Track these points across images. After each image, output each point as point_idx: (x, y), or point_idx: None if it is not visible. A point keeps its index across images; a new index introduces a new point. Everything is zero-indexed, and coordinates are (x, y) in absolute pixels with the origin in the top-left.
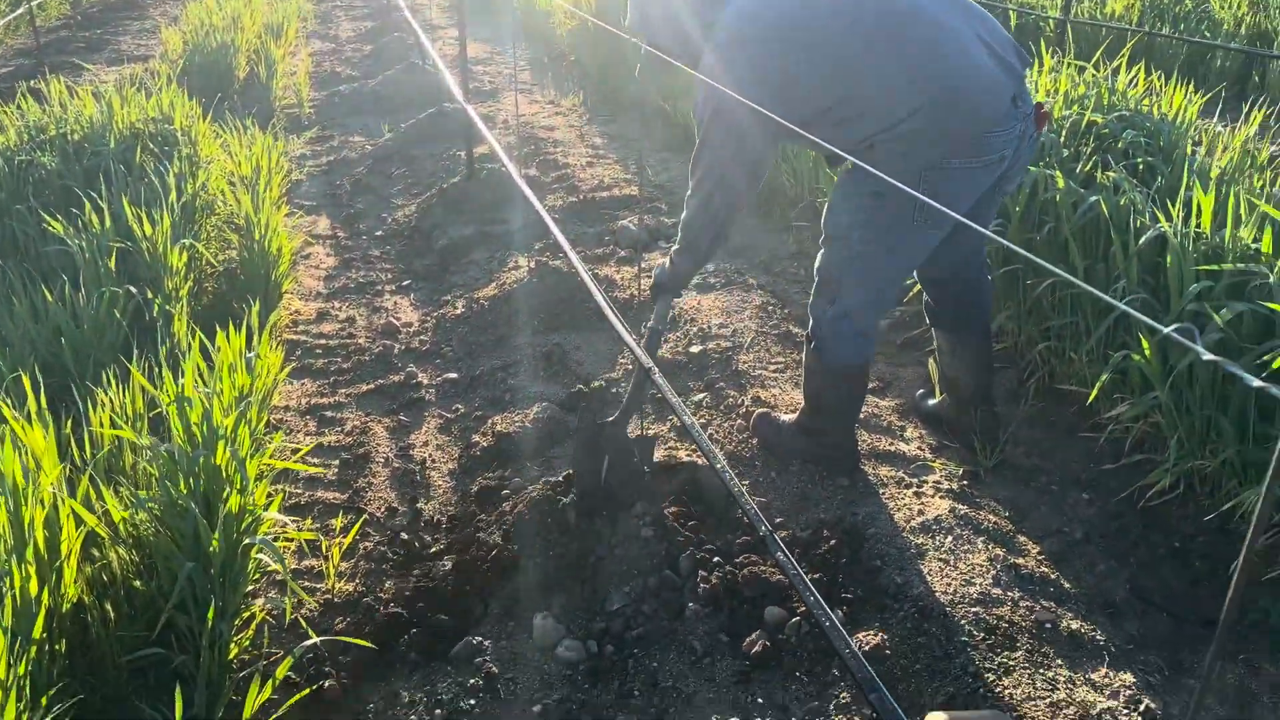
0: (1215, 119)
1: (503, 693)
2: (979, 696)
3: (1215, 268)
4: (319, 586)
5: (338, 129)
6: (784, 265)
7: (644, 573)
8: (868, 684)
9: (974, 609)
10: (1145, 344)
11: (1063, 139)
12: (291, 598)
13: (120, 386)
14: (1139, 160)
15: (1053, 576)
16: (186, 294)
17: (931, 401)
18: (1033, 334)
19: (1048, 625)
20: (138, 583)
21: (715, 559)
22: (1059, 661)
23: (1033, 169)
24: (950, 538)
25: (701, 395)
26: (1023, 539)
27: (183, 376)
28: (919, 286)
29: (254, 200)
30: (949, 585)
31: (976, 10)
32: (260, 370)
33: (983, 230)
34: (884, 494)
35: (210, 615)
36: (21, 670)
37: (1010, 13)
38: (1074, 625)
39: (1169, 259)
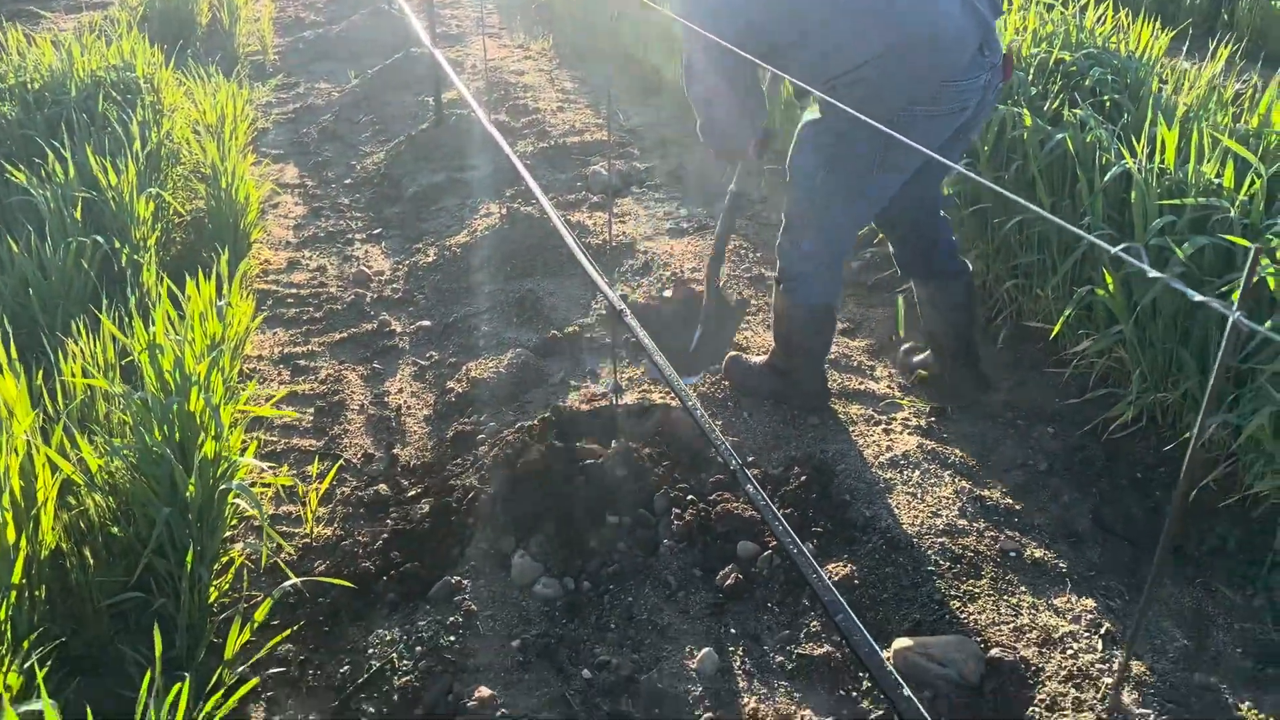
0: (1183, 57)
1: (482, 629)
2: (945, 623)
3: (1179, 202)
4: (297, 531)
5: (303, 76)
6: (755, 208)
7: (619, 512)
8: (834, 606)
9: (940, 540)
10: (1109, 278)
11: (1031, 77)
12: (269, 543)
13: (90, 336)
14: (1106, 98)
15: (1017, 507)
16: (155, 244)
17: (917, 357)
18: (1000, 272)
19: (1012, 554)
20: (115, 529)
21: (689, 497)
22: (1023, 589)
23: (1000, 107)
24: (918, 472)
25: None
26: (988, 472)
27: (153, 324)
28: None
29: (220, 148)
30: (916, 517)
31: None
32: (231, 319)
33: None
34: (854, 431)
35: (189, 559)
36: (1, 615)
37: None
38: (1038, 554)
39: (1134, 195)
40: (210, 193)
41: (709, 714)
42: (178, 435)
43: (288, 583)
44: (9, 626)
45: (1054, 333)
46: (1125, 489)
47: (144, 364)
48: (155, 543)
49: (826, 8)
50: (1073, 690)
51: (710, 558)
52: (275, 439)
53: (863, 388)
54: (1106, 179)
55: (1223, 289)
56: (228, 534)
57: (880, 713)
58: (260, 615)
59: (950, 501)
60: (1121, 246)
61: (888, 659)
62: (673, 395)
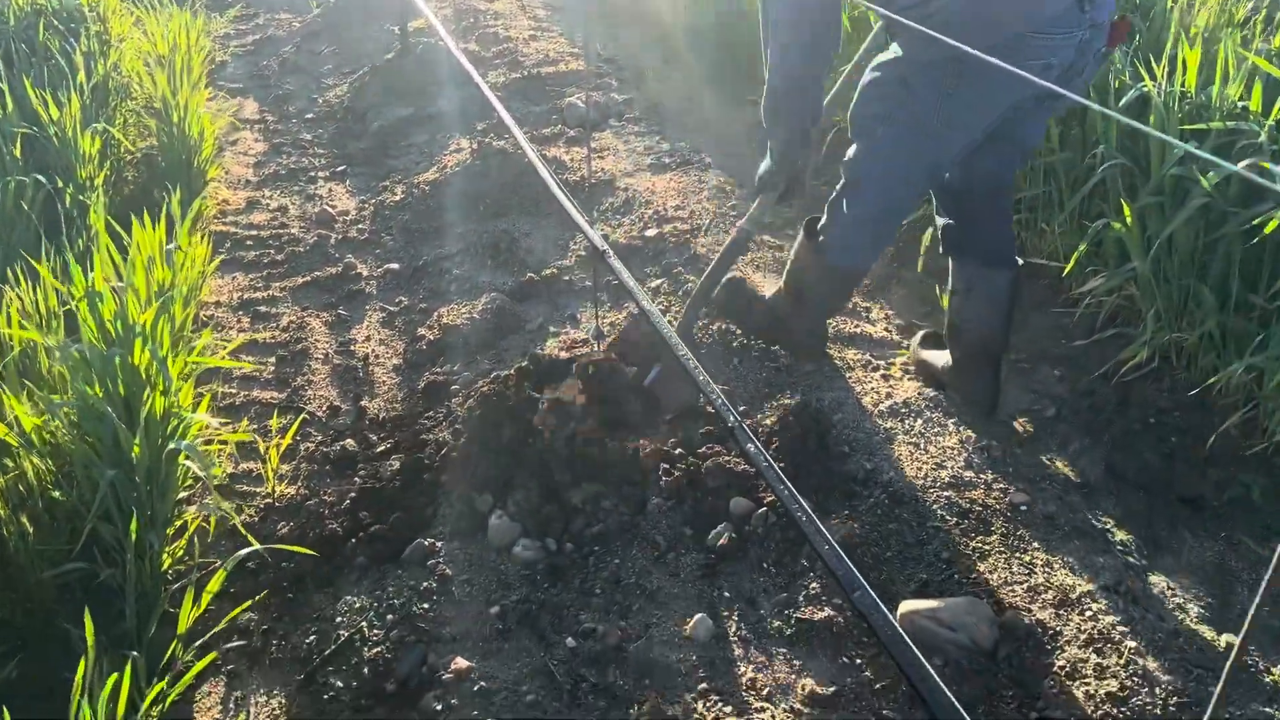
0: None
1: (458, 594)
2: (954, 583)
3: (1202, 127)
4: (258, 491)
5: (262, 5)
6: (740, 144)
7: (604, 467)
8: (849, 581)
9: (946, 493)
10: (1127, 211)
11: None
12: (230, 503)
13: (30, 284)
14: (1116, 15)
15: (1026, 457)
16: (102, 183)
17: (930, 355)
18: None
19: (1022, 507)
20: (57, 493)
21: (677, 450)
22: (1035, 545)
23: None
24: (920, 421)
25: (659, 281)
26: (994, 420)
27: (92, 271)
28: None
29: (170, 80)
30: (920, 469)
31: None
32: (183, 263)
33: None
34: (851, 378)
35: (134, 526)
36: None
37: None
38: (1049, 507)
39: (1153, 120)
40: (162, 128)
41: (704, 684)
42: (122, 390)
43: (245, 550)
44: None
45: (1066, 270)
46: (1138, 435)
47: (83, 313)
48: (99, 507)
49: None
50: (1094, 656)
51: (701, 516)
52: (234, 391)
53: (859, 331)
54: (1121, 104)
55: (1253, 220)
56: (183, 494)
57: (886, 681)
58: (214, 586)
59: (955, 452)
60: (1246, 163)
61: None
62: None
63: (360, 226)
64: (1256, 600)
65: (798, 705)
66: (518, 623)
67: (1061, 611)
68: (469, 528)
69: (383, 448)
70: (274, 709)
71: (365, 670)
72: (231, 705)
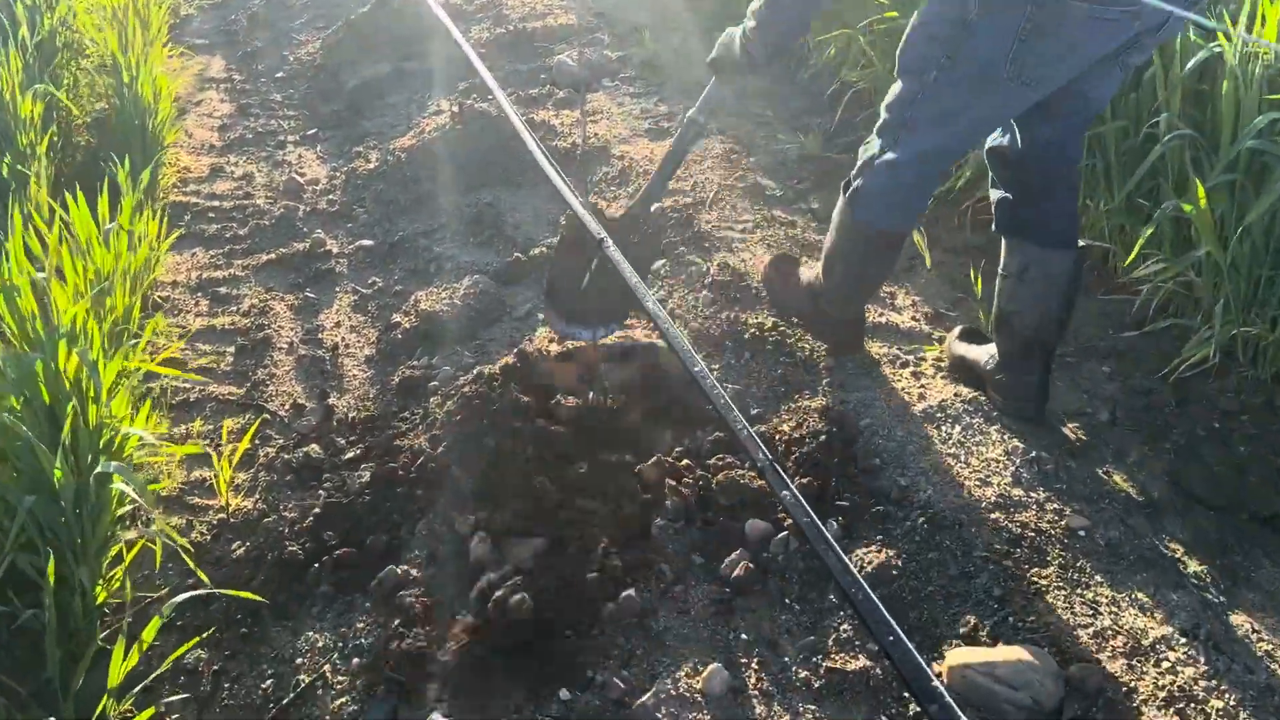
0: None
1: (435, 634)
2: (1008, 627)
3: None
4: (210, 504)
5: None
6: (746, 104)
7: (600, 482)
8: (883, 630)
9: (993, 515)
10: (1201, 191)
11: None
12: (179, 518)
13: None
14: None
15: (1080, 470)
16: (46, 151)
17: (967, 348)
18: None
19: (1080, 532)
20: None
21: (684, 462)
22: (1098, 578)
23: None
24: (958, 427)
25: (659, 262)
26: (1041, 425)
27: (8, 260)
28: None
29: (121, 37)
30: (962, 486)
31: None
32: (121, 247)
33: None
34: (878, 375)
35: (51, 567)
36: None
37: None
38: (1111, 531)
39: (1225, 86)
40: (114, 89)
41: None
42: (46, 399)
43: (184, 595)
44: None
45: (1129, 259)
46: (1203, 442)
47: (2, 309)
48: (16, 539)
49: None
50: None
51: (712, 540)
52: (187, 387)
53: (884, 320)
54: (1188, 67)
55: None
56: (123, 511)
57: None
58: (149, 635)
59: (1001, 465)
60: None
61: (940, 676)
62: (656, 332)
63: (331, 197)
64: None
65: None
66: (503, 670)
67: (1134, 662)
68: (448, 552)
69: (351, 454)
70: None
71: None
72: None
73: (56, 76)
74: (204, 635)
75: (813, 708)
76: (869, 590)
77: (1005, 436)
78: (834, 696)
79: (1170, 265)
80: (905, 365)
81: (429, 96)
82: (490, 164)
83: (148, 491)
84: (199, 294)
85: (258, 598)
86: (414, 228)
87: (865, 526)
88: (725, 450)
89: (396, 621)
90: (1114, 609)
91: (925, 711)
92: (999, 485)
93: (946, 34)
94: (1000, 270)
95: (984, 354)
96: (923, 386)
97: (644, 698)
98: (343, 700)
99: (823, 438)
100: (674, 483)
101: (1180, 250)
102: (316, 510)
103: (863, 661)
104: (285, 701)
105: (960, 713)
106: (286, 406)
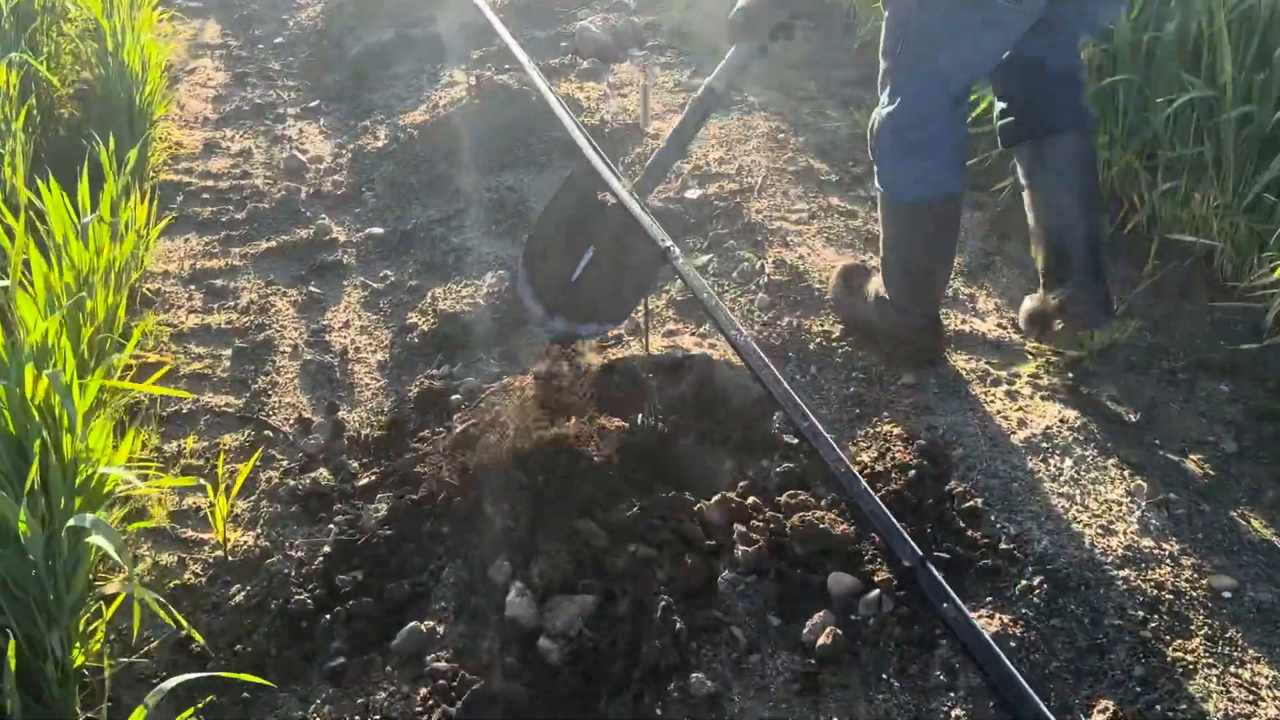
0: None
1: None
2: (1154, 716)
3: None
4: (207, 539)
5: None
6: (791, 77)
7: (654, 523)
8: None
9: (1123, 573)
10: None
11: None
12: (169, 555)
13: None
14: None
15: (1214, 515)
16: (23, 127)
17: (1031, 304)
18: (1132, 164)
19: (1225, 594)
20: None
21: (750, 499)
22: (1253, 652)
23: None
24: (1069, 460)
25: (707, 258)
26: (1162, 456)
27: None
28: None
29: (106, 0)
30: (1082, 536)
31: None
32: (103, 241)
33: None
34: (966, 395)
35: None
36: None
37: None
38: (1261, 593)
39: None
40: (98, 57)
41: None
42: (12, 430)
43: (173, 680)
44: None
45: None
46: None
47: None
48: None
49: None
50: None
51: (790, 596)
52: (181, 397)
53: (966, 329)
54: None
55: None
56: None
57: None
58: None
59: (1124, 509)
60: None
61: None
62: (711, 342)
63: (336, 178)
64: None
65: None
66: None
67: None
68: (481, 605)
69: (365, 481)
70: None
71: None
72: None
73: (35, 43)
74: (199, 705)
75: None
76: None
77: (1124, 472)
78: None
79: None
80: (997, 383)
81: (440, 66)
82: (511, 143)
83: (126, 550)
84: (192, 286)
85: (263, 680)
86: (428, 214)
87: (973, 584)
88: (797, 485)
89: (424, 692)
90: (1276, 691)
91: None
92: (1125, 534)
93: None
94: (1019, 185)
95: (1035, 298)
96: (1021, 410)
97: None
98: None
99: (912, 473)
100: (743, 527)
101: None
102: (327, 549)
103: None
104: None
105: None
106: (291, 421)
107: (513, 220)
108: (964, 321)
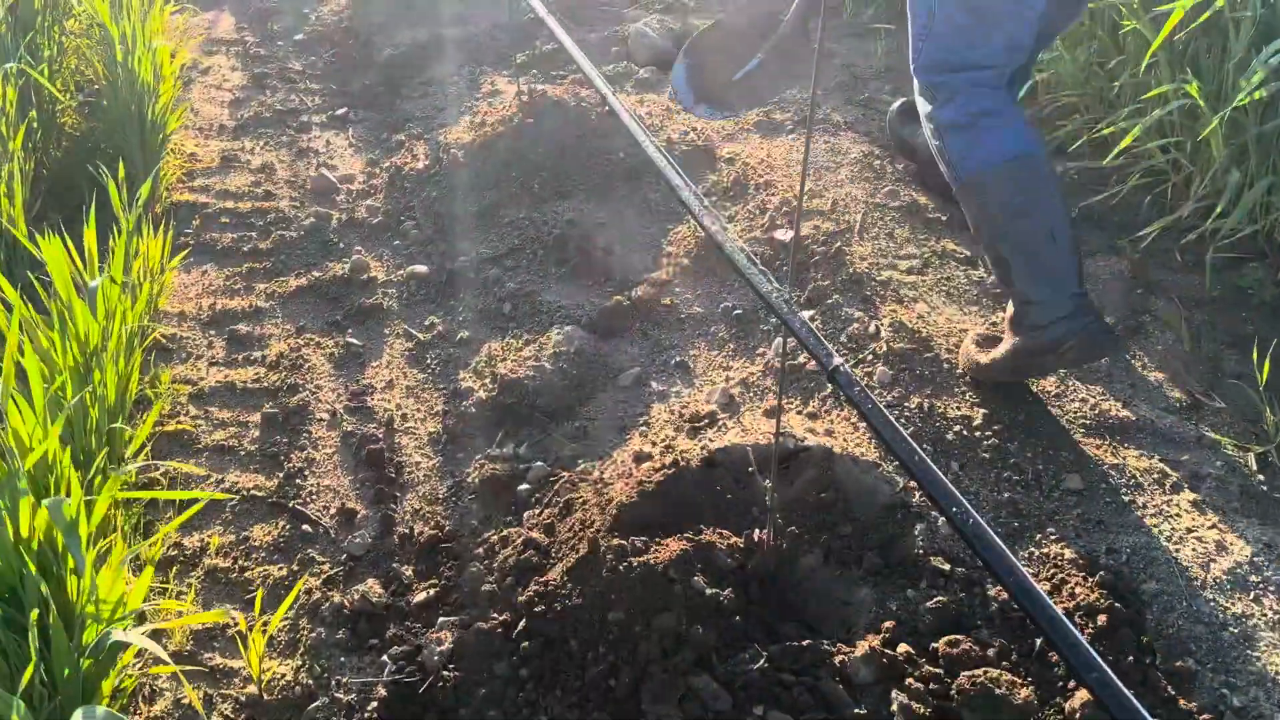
0: None
1: None
2: None
3: None
4: (237, 667)
5: None
6: (874, 88)
7: (784, 679)
8: None
9: None
10: None
11: None
12: (193, 696)
13: None
14: None
15: None
16: (21, 147)
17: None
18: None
19: None
20: None
21: (901, 647)
22: None
23: None
24: None
25: (808, 313)
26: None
27: None
28: None
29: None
30: None
31: None
32: (112, 302)
33: None
34: (1144, 505)
35: None
36: None
37: None
38: None
39: None
40: (105, 64)
41: None
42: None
43: None
44: None
45: None
46: None
47: None
48: None
49: None
50: None
51: None
52: (203, 470)
53: (1127, 413)
54: None
55: None
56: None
57: None
58: None
59: None
60: None
61: None
62: (817, 418)
63: (371, 203)
64: None
65: None
66: None
67: None
68: None
69: (422, 596)
70: None
71: None
72: None
73: (34, 46)
74: None
75: None
76: None
77: None
78: None
79: None
80: (1178, 488)
81: (479, 71)
82: (568, 167)
83: None
84: (212, 332)
85: None
86: (478, 251)
87: None
88: (953, 626)
89: None
90: None
91: None
92: None
93: None
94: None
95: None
96: (1215, 528)
97: None
98: None
99: (1102, 617)
100: (903, 697)
101: None
102: (382, 692)
103: None
104: None
105: None
106: (332, 512)
107: (575, 260)
108: (1122, 404)
